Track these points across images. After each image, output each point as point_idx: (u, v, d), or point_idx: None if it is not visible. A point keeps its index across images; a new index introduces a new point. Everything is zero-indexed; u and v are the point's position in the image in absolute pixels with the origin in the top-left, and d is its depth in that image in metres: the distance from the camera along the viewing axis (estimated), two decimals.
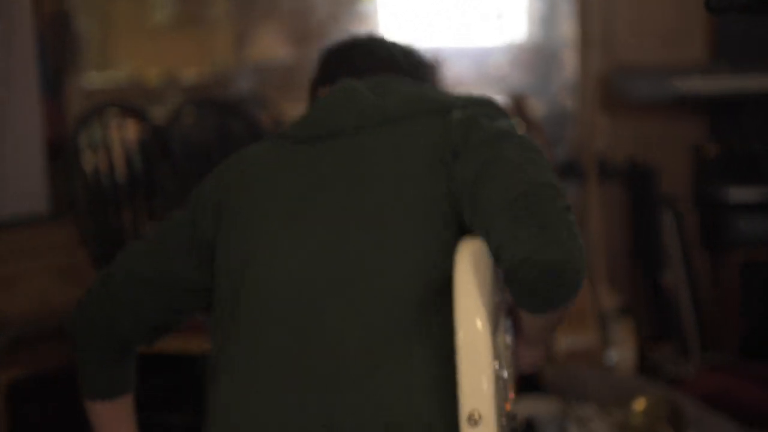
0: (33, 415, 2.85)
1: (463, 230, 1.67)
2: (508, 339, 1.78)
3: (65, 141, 3.38)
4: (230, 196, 1.79)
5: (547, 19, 4.46)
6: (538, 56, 4.48)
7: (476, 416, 1.56)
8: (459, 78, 4.39)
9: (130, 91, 4.44)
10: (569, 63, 4.34)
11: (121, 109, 3.29)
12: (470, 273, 1.59)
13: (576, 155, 4.12)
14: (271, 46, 4.79)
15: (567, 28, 4.36)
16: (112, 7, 4.66)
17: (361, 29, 4.54)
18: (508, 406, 1.68)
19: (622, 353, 3.69)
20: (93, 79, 4.17)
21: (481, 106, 1.81)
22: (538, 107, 4.36)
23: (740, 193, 3.96)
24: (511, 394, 1.75)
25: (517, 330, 1.81)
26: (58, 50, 3.74)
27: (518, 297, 1.59)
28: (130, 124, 3.30)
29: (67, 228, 3.32)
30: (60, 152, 3.54)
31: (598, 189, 3.96)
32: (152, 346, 1.92)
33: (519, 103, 4.05)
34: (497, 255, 1.57)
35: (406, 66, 1.98)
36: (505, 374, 1.69)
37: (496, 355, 1.60)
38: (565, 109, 4.36)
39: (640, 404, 3.20)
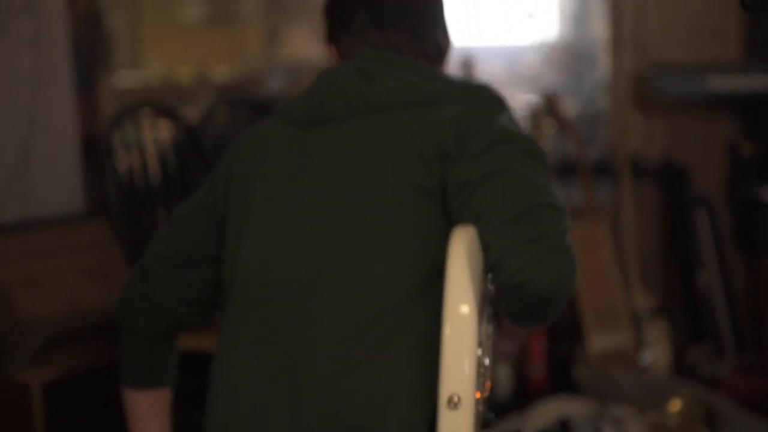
0: (66, 415, 2.85)
1: (440, 226, 1.71)
2: (490, 329, 1.81)
3: (98, 139, 3.38)
4: (235, 175, 1.85)
5: (579, 18, 4.43)
6: (570, 55, 4.45)
7: (456, 399, 1.57)
8: (491, 77, 4.37)
9: (161, 90, 4.44)
10: (602, 62, 4.31)
11: (154, 109, 3.29)
12: (463, 260, 1.61)
13: (609, 154, 4.09)
14: (302, 45, 4.78)
15: (599, 26, 4.33)
16: (144, 6, 4.66)
17: None
18: (479, 395, 1.68)
19: (656, 354, 3.66)
20: (124, 78, 4.17)
21: (480, 99, 1.80)
22: (570, 106, 4.33)
23: None
24: (489, 383, 1.77)
25: (498, 322, 1.86)
26: (90, 48, 3.74)
27: (508, 313, 1.67)
28: (163, 123, 3.30)
29: (100, 227, 3.32)
30: (92, 151, 3.55)
31: (632, 188, 3.93)
32: (199, 327, 1.98)
33: (551, 103, 4.02)
34: (494, 269, 1.62)
35: (407, 15, 1.92)
36: (486, 362, 1.72)
37: (479, 343, 1.63)
38: (597, 109, 4.33)
39: (675, 405, 3.17)
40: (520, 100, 4.41)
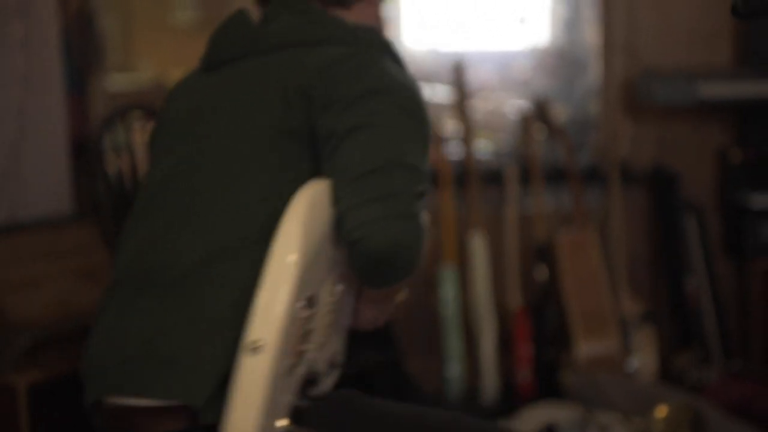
0: (52, 418, 2.85)
1: (302, 169, 1.71)
2: (339, 289, 1.78)
3: (88, 141, 3.38)
4: (156, 122, 1.95)
5: (570, 24, 4.44)
6: (561, 61, 4.46)
7: (258, 345, 1.56)
8: (482, 82, 4.38)
9: (152, 93, 4.44)
10: (593, 67, 4.32)
11: (145, 112, 3.28)
12: (300, 210, 1.61)
13: (599, 160, 4.10)
14: None
15: (590, 32, 4.34)
16: (136, 9, 4.66)
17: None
18: (298, 348, 1.66)
19: (643, 360, 3.68)
20: (116, 80, 4.17)
21: (364, 43, 1.79)
22: (561, 112, 4.34)
23: (765, 200, 3.93)
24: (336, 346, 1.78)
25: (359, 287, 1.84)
26: (82, 51, 3.74)
27: (355, 271, 1.67)
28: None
29: (89, 230, 3.32)
30: (83, 153, 3.55)
31: (621, 194, 3.95)
32: None
33: (542, 108, 4.04)
34: (340, 222, 1.64)
35: None
36: (326, 321, 1.70)
37: (307, 296, 1.62)
38: (588, 114, 4.34)
39: (661, 411, 3.18)
40: (511, 105, 4.41)
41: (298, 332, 1.63)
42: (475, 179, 3.91)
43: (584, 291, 3.69)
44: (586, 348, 3.60)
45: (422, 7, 4.51)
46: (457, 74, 4.04)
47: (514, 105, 4.39)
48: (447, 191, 3.89)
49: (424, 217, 1.68)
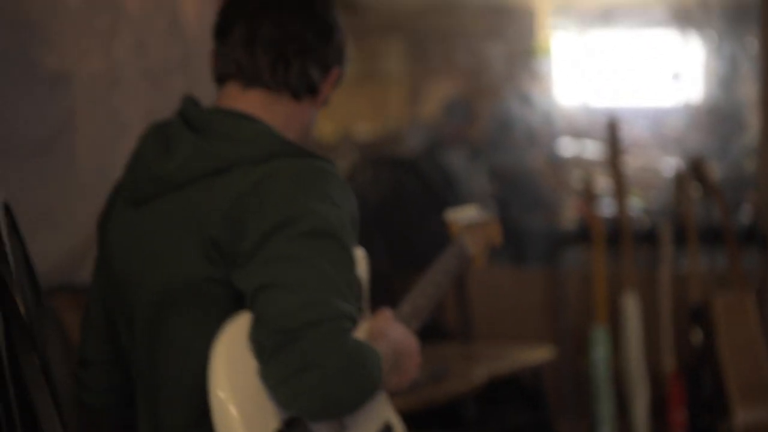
0: None
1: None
2: None
3: None
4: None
5: (726, 79, 4.35)
6: (716, 117, 4.37)
7: None
8: (635, 138, 4.32)
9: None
10: (750, 124, 4.22)
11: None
12: (223, 350, 1.60)
13: (757, 220, 3.98)
14: (444, 103, 4.80)
15: (748, 88, 4.25)
16: None
17: (535, 88, 4.51)
18: None
19: None
20: None
21: (268, 162, 1.70)
22: (716, 171, 4.25)
23: None
24: None
25: None
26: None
27: None
28: None
29: None
30: None
31: None
32: None
33: (697, 167, 3.95)
34: (272, 392, 1.62)
35: (279, 38, 1.81)
36: None
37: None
38: (745, 173, 4.23)
39: None
40: (664, 163, 4.34)
41: None
42: (627, 238, 3.84)
43: (742, 356, 3.58)
44: (743, 415, 3.48)
45: (575, 63, 4.48)
46: (611, 130, 3.99)
47: (668, 162, 4.31)
48: (599, 249, 3.82)
49: (356, 344, 1.63)
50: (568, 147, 4.71)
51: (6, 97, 2.88)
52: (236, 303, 1.67)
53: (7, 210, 1.66)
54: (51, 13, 2.97)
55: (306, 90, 1.81)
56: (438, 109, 4.81)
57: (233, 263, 1.66)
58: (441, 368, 3.13)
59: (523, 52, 4.61)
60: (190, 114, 1.77)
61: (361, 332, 1.78)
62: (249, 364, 1.62)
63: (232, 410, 1.59)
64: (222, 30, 1.86)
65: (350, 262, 1.68)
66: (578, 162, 4.61)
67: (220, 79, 1.85)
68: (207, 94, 3.54)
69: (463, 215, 2.14)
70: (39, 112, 2.98)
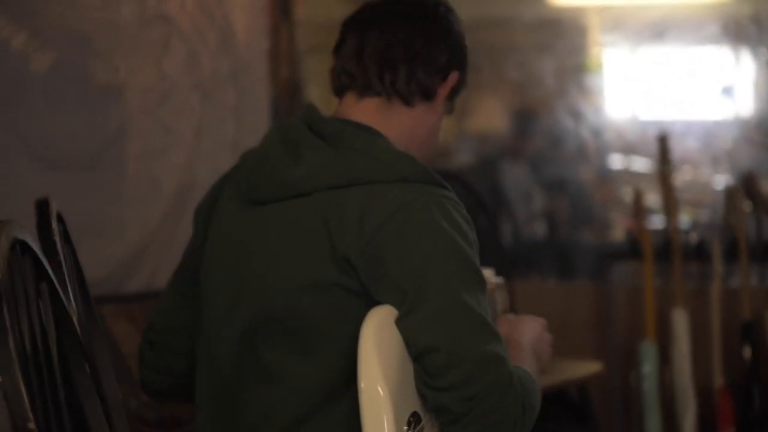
0: None
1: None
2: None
3: None
4: (199, 243, 1.93)
5: None
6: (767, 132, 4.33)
7: None
8: (685, 153, 4.29)
9: None
10: None
11: None
12: (372, 339, 1.60)
13: None
14: (493, 117, 4.80)
15: None
16: None
17: (586, 104, 4.50)
18: None
19: None
20: None
21: (414, 193, 1.69)
22: (767, 186, 4.21)
23: None
24: None
25: None
26: (289, 116, 3.85)
27: None
28: None
29: None
30: None
31: None
32: None
33: (749, 181, 3.92)
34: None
35: (387, 45, 1.83)
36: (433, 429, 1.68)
37: (410, 415, 1.61)
38: None
39: None
40: (714, 178, 4.31)
41: None
42: (677, 253, 3.82)
43: None
44: None
45: (625, 75, 4.46)
46: (661, 145, 3.97)
47: (718, 177, 4.28)
48: (648, 265, 3.80)
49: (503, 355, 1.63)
50: (618, 162, 4.69)
51: (60, 110, 2.92)
52: (366, 310, 1.67)
53: (60, 220, 1.68)
54: (104, 26, 3.01)
55: (419, 95, 1.84)
56: (499, 121, 4.81)
57: (370, 282, 1.67)
58: None
59: (574, 67, 4.60)
60: (316, 121, 1.79)
61: None
62: (396, 349, 1.64)
63: (390, 402, 1.60)
64: (337, 45, 1.91)
65: (485, 291, 1.69)
66: (628, 177, 4.59)
67: (338, 92, 1.89)
68: (255, 107, 3.57)
69: (489, 274, 2.13)
70: (91, 124, 3.02)
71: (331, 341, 1.69)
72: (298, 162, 1.74)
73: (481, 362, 1.58)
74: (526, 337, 1.83)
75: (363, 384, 1.58)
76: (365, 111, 1.84)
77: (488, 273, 2.02)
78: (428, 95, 1.84)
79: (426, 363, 1.60)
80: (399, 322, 1.63)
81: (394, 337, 1.63)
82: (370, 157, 1.72)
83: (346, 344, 1.67)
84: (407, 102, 1.84)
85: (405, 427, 1.61)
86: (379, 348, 1.60)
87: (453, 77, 1.85)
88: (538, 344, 1.85)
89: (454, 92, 1.88)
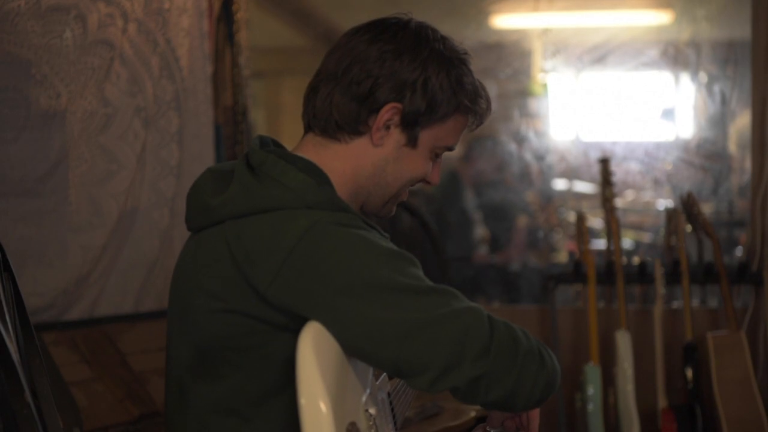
0: None
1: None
2: (382, 397, 1.87)
3: None
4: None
5: (716, 119, 4.38)
6: (706, 156, 4.39)
7: None
8: (627, 175, 4.34)
9: None
10: (740, 163, 4.24)
11: None
12: (310, 355, 1.60)
13: (749, 258, 3.99)
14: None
15: (737, 127, 4.27)
16: (283, 102, 4.77)
17: (530, 128, 4.54)
18: None
19: None
20: None
21: (318, 216, 1.70)
22: (708, 208, 4.26)
23: None
24: None
25: None
26: (233, 142, 3.84)
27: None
28: None
29: None
30: None
31: None
32: None
33: (689, 204, 3.96)
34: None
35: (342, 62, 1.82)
36: None
37: (348, 426, 1.62)
38: (737, 211, 4.25)
39: None
40: (656, 200, 4.35)
41: None
42: (620, 275, 3.85)
43: (734, 393, 3.58)
44: None
45: (569, 99, 4.50)
46: (603, 168, 4.01)
47: (660, 200, 4.33)
48: (591, 287, 3.83)
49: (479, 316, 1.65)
50: (561, 185, 4.73)
51: (0, 136, 2.89)
52: (273, 336, 1.70)
53: None
54: (45, 51, 2.99)
55: (346, 129, 1.81)
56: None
57: (299, 308, 1.67)
58: (433, 405, 3.13)
59: (517, 92, 4.64)
60: (251, 153, 1.81)
61: None
62: (333, 361, 1.65)
63: (330, 417, 1.60)
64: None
65: (417, 265, 1.70)
66: (571, 199, 4.63)
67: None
68: (198, 132, 3.56)
69: None
70: (33, 150, 2.99)
71: (237, 365, 1.72)
72: (222, 190, 1.78)
73: (452, 330, 1.61)
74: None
75: (303, 400, 1.58)
76: (305, 146, 1.85)
77: None
78: (355, 127, 1.81)
79: (404, 376, 1.64)
80: (341, 339, 1.65)
81: (331, 349, 1.65)
82: (279, 185, 1.73)
83: (256, 367, 1.71)
84: (332, 136, 1.82)
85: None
86: (317, 362, 1.60)
87: (387, 110, 1.79)
88: None
89: (410, 125, 1.81)
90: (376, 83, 1.78)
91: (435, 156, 1.88)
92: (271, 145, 1.86)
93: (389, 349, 1.61)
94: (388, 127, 1.81)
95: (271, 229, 1.69)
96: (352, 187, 1.82)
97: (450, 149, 1.90)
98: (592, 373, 3.76)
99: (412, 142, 1.83)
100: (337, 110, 1.80)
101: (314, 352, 1.61)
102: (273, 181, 1.74)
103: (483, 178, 4.86)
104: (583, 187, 4.71)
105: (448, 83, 1.81)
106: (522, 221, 4.84)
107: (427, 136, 1.83)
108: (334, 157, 1.83)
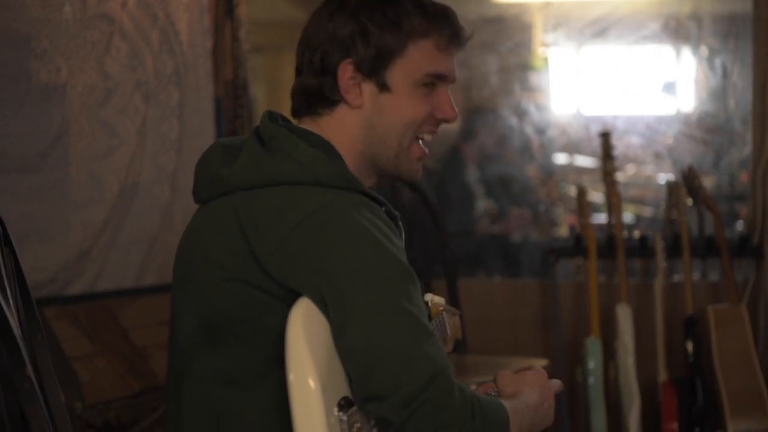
0: None
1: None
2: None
3: None
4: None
5: (718, 92, 4.37)
6: (708, 129, 4.38)
7: None
8: (628, 149, 4.33)
9: None
10: (742, 136, 4.24)
11: None
12: (300, 331, 1.61)
13: (749, 231, 3.99)
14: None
15: (741, 100, 4.26)
16: (284, 77, 4.75)
17: (532, 101, 4.53)
18: None
19: None
20: None
21: (331, 195, 1.71)
22: (709, 181, 4.26)
23: None
24: None
25: None
26: (233, 116, 3.83)
27: None
28: None
29: None
30: None
31: None
32: None
33: (690, 178, 3.96)
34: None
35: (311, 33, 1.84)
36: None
37: (340, 400, 1.62)
38: (737, 184, 4.24)
39: None
40: (657, 174, 4.35)
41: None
42: (621, 249, 3.85)
43: (734, 367, 3.59)
44: (736, 426, 3.48)
45: (570, 73, 4.50)
46: (604, 141, 4.00)
47: (660, 173, 4.33)
48: (592, 261, 3.83)
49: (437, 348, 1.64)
50: (562, 159, 4.72)
51: (0, 112, 2.89)
52: (274, 307, 1.70)
53: (0, 222, 1.67)
54: (45, 26, 2.98)
55: (318, 102, 1.83)
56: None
57: (292, 283, 1.68)
58: None
59: (518, 66, 4.63)
60: (261, 127, 1.82)
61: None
62: (323, 337, 1.65)
63: (320, 394, 1.61)
64: None
65: (416, 285, 1.69)
66: (572, 173, 4.63)
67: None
68: (198, 106, 3.56)
69: (439, 300, 2.14)
70: (33, 125, 2.99)
71: (240, 336, 1.72)
72: (231, 163, 1.79)
73: (411, 362, 1.59)
74: (537, 390, 1.85)
75: (292, 376, 1.59)
76: (308, 123, 1.86)
77: (438, 300, 2.04)
78: (328, 98, 1.82)
79: (348, 367, 1.63)
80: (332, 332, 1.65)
81: (321, 325, 1.65)
82: (290, 159, 1.75)
83: (258, 339, 1.71)
84: (315, 112, 1.84)
85: (337, 412, 1.62)
86: (306, 338, 1.61)
87: (342, 70, 1.80)
88: (548, 392, 1.88)
89: (372, 73, 1.80)
90: (324, 51, 1.81)
91: (426, 89, 1.84)
92: (280, 120, 1.86)
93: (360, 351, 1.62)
94: (356, 86, 1.82)
95: (281, 201, 1.71)
96: (355, 157, 1.82)
97: (441, 77, 1.84)
98: (593, 346, 3.76)
99: (383, 87, 1.81)
100: (307, 91, 1.84)
101: (304, 329, 1.61)
102: (284, 155, 1.75)
103: (484, 152, 4.86)
104: (584, 161, 4.71)
105: (385, 20, 1.81)
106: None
107: (396, 75, 1.81)
108: (327, 132, 1.84)
